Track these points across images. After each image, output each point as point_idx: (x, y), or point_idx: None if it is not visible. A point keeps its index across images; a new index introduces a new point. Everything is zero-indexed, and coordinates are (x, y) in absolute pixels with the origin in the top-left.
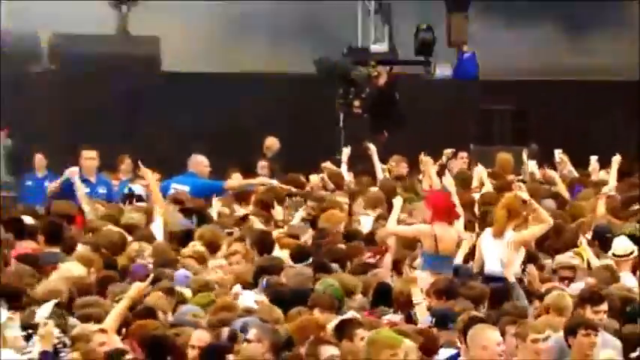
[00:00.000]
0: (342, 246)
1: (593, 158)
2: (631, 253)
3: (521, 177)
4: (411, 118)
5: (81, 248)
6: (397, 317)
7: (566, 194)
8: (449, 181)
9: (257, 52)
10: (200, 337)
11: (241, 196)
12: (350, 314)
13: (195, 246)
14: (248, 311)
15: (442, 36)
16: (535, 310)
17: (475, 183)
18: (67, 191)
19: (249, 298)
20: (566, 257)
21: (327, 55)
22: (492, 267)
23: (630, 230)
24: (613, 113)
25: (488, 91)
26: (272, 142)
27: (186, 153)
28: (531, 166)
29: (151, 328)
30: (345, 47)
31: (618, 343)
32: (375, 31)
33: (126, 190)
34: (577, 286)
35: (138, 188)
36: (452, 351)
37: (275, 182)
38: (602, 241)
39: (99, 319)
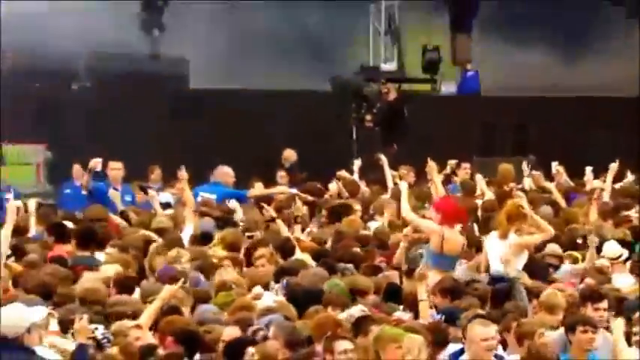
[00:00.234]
0: (357, 249)
1: (588, 169)
2: (620, 256)
3: (520, 186)
4: (418, 131)
5: (110, 250)
6: (406, 315)
7: (562, 202)
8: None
9: (276, 71)
10: (231, 333)
11: (262, 202)
12: (358, 308)
13: (215, 248)
14: (269, 310)
15: (447, 55)
16: (533, 309)
17: (478, 191)
18: (97, 197)
19: (269, 299)
20: (555, 246)
21: (341, 73)
22: (496, 268)
23: (620, 235)
24: (608, 127)
25: (490, 106)
26: (290, 154)
27: (212, 164)
28: (527, 181)
29: (182, 323)
30: (357, 66)
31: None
32: (385, 51)
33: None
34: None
35: (166, 196)
36: (458, 346)
37: (294, 190)
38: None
39: (129, 316)
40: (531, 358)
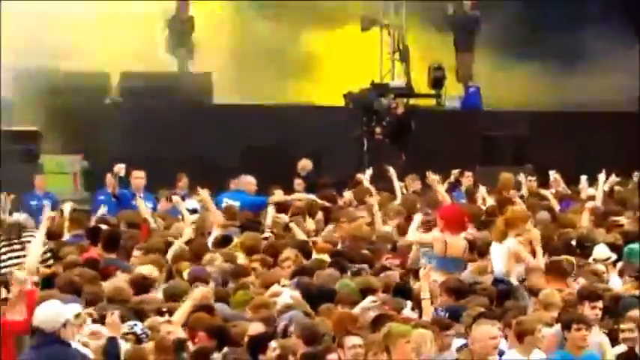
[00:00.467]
0: (366, 251)
1: (583, 178)
2: (608, 258)
3: (520, 193)
4: (425, 143)
5: (137, 253)
6: (414, 314)
7: (557, 208)
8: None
9: (294, 87)
10: (256, 329)
11: (281, 208)
12: (369, 300)
13: (235, 249)
14: (288, 307)
15: (451, 73)
16: (533, 306)
17: (480, 200)
18: (123, 202)
19: (285, 296)
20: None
21: (353, 89)
22: (497, 270)
23: (611, 239)
24: (602, 139)
25: (491, 119)
26: (306, 163)
27: (234, 173)
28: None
29: (211, 319)
30: (368, 83)
31: (603, 336)
32: (394, 69)
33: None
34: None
35: (193, 203)
36: (462, 341)
37: (312, 196)
38: (583, 248)
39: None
40: None
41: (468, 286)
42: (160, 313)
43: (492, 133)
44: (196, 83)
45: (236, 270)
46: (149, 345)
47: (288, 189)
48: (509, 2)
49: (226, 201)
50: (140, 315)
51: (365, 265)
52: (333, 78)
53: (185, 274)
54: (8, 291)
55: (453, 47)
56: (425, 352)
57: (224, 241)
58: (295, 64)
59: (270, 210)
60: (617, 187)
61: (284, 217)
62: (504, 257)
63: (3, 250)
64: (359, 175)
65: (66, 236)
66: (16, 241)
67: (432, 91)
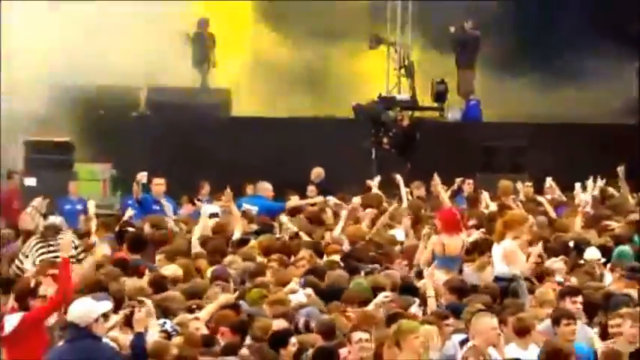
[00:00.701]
0: (372, 253)
1: (577, 184)
2: (598, 259)
3: (519, 198)
4: (429, 152)
5: (159, 257)
6: (419, 311)
7: (552, 213)
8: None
9: (306, 100)
10: (279, 324)
11: (295, 212)
12: (382, 296)
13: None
14: (301, 305)
15: (453, 87)
16: (529, 303)
17: (483, 204)
18: (145, 207)
19: (300, 294)
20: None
21: (362, 102)
22: (496, 269)
23: (602, 242)
24: (593, 149)
25: (490, 130)
26: (319, 171)
27: (251, 180)
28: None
29: (235, 317)
30: (376, 96)
31: (590, 330)
32: (399, 83)
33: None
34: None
35: (214, 208)
36: (462, 336)
37: (330, 198)
38: (579, 250)
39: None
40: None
41: (468, 285)
42: (191, 311)
43: (491, 144)
44: (216, 97)
45: (253, 269)
46: (178, 340)
47: (302, 195)
48: (507, 24)
49: (245, 206)
50: (164, 312)
51: (377, 266)
52: (343, 91)
53: (208, 273)
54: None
55: (454, 64)
56: (432, 346)
57: (242, 243)
58: (307, 79)
59: (284, 217)
60: (610, 190)
61: (293, 228)
62: (501, 257)
63: (40, 250)
64: (369, 182)
65: (94, 239)
66: (52, 242)
67: (435, 105)
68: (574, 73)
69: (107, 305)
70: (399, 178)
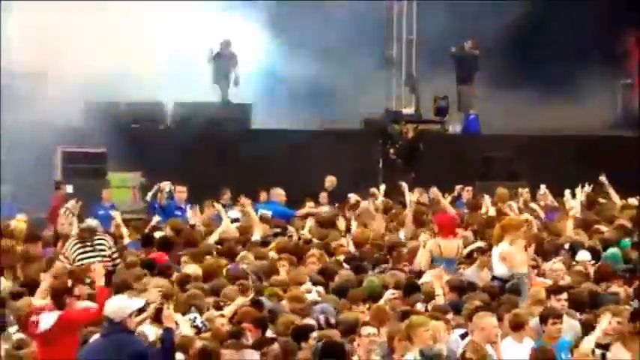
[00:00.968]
0: (376, 255)
1: (567, 191)
2: (589, 261)
3: (518, 204)
4: (431, 162)
5: (185, 258)
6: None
7: (542, 216)
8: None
9: (319, 113)
10: (297, 320)
11: (307, 217)
12: (389, 293)
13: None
14: (314, 302)
15: (454, 102)
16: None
17: (483, 209)
18: (167, 212)
19: (314, 293)
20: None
21: (370, 116)
22: (495, 269)
23: (592, 244)
24: (583, 160)
25: (488, 142)
26: (332, 179)
27: (270, 187)
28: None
29: (257, 313)
30: (383, 110)
31: (577, 325)
32: (405, 98)
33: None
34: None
35: (235, 213)
36: (462, 330)
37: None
38: (573, 252)
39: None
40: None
41: (468, 284)
42: (218, 308)
43: (489, 154)
44: (237, 112)
45: (268, 268)
46: (206, 335)
47: (315, 201)
48: (503, 44)
49: (261, 211)
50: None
51: (388, 266)
52: (352, 106)
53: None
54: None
55: (455, 81)
56: (439, 339)
57: (263, 244)
58: (319, 94)
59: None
60: (597, 197)
61: (307, 234)
62: (498, 258)
63: (78, 250)
64: (373, 190)
65: (126, 241)
66: (88, 243)
67: (438, 118)
68: (564, 89)
69: (140, 302)
70: (404, 185)
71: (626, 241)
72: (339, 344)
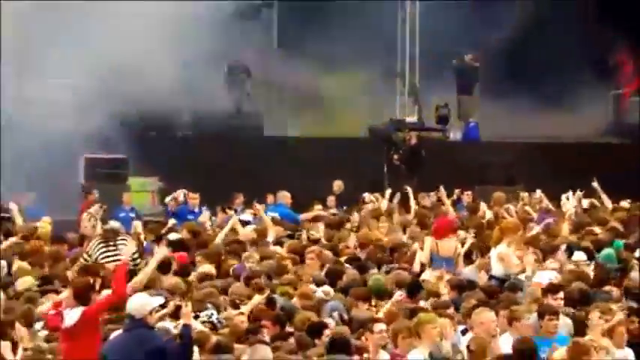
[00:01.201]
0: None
1: (563, 196)
2: (584, 261)
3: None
4: (433, 167)
5: (199, 258)
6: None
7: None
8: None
9: (327, 121)
10: (313, 317)
11: (316, 220)
12: (398, 294)
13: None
14: (323, 299)
15: (454, 111)
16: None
17: (481, 212)
18: (181, 218)
19: (319, 292)
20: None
21: (376, 124)
22: (493, 269)
23: (586, 245)
24: (576, 164)
25: (487, 148)
26: (339, 184)
27: (278, 190)
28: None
29: (273, 310)
30: (388, 119)
31: (570, 322)
32: (408, 107)
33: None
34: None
35: (246, 216)
36: (462, 326)
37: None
38: (570, 252)
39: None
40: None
41: (468, 283)
42: (236, 305)
43: (488, 160)
44: (250, 120)
45: (278, 268)
46: (225, 331)
47: (323, 204)
48: (504, 57)
49: (269, 214)
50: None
51: (395, 265)
52: (359, 115)
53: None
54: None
55: (456, 91)
56: (446, 335)
57: (278, 244)
58: (328, 104)
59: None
60: (592, 201)
61: (317, 234)
62: (496, 259)
63: (101, 250)
64: (366, 195)
65: (145, 242)
66: (111, 243)
67: (439, 126)
68: (559, 99)
69: (160, 300)
70: (410, 189)
71: (619, 241)
72: (346, 340)
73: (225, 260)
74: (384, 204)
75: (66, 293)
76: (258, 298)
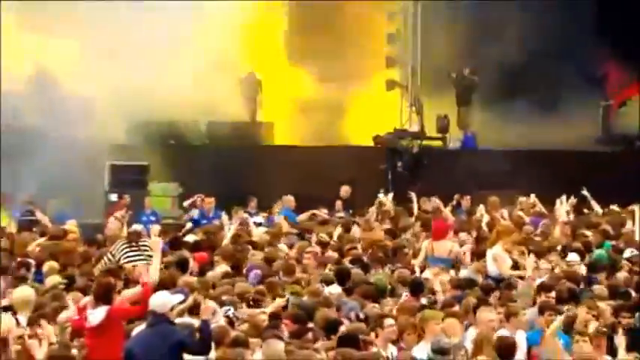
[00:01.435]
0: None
1: (558, 201)
2: (577, 261)
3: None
4: (434, 174)
5: (217, 258)
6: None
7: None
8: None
9: (335, 130)
10: (330, 314)
11: (324, 223)
12: (404, 295)
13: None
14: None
15: (454, 121)
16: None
17: (478, 214)
18: (195, 221)
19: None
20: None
21: (381, 133)
22: (489, 270)
23: (577, 246)
24: (568, 170)
25: (484, 156)
26: (346, 189)
27: (290, 194)
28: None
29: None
30: (392, 128)
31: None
32: (410, 117)
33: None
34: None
35: (259, 219)
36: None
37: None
38: (564, 253)
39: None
40: None
41: (466, 282)
42: (252, 302)
43: (485, 167)
44: (262, 130)
45: (287, 267)
46: (245, 327)
47: (330, 209)
48: (501, 71)
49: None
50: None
51: (399, 265)
52: (365, 124)
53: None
54: (124, 281)
55: (455, 102)
56: (456, 333)
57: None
58: (335, 114)
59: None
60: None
61: (324, 237)
62: (492, 260)
63: (125, 250)
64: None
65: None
66: (134, 245)
67: (440, 135)
68: (552, 110)
69: (180, 297)
70: (413, 194)
71: (608, 243)
72: (354, 335)
73: (243, 260)
74: (387, 207)
75: (88, 298)
76: (279, 301)
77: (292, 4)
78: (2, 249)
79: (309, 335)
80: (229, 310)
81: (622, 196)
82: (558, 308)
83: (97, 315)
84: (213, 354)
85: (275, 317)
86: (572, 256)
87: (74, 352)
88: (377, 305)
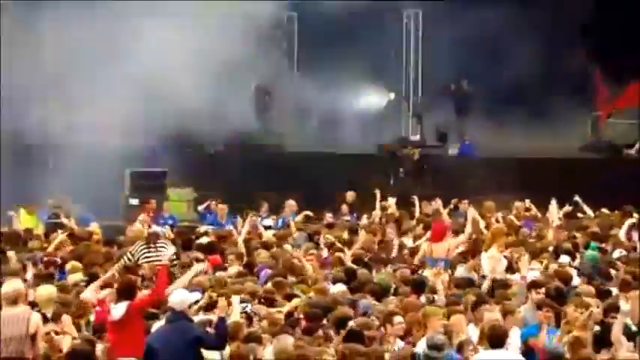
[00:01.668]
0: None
1: (550, 205)
2: (568, 262)
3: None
4: (433, 180)
5: (231, 257)
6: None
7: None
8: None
9: (341, 138)
10: (346, 312)
11: (331, 226)
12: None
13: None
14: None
15: (453, 130)
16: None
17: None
18: (210, 224)
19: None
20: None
21: (383, 141)
22: (484, 270)
23: (568, 248)
24: (561, 176)
25: (481, 163)
26: (352, 194)
27: (300, 200)
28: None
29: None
30: (394, 137)
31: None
32: (411, 126)
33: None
34: None
35: (269, 221)
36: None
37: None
38: (557, 255)
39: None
40: None
41: (468, 281)
42: (263, 300)
43: (482, 173)
44: (273, 138)
45: (293, 267)
46: (263, 323)
47: (336, 213)
48: (497, 82)
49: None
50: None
51: (403, 264)
52: (369, 133)
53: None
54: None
55: (454, 113)
56: (462, 329)
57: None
58: (341, 123)
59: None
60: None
61: (330, 238)
62: (486, 261)
63: (143, 251)
64: (384, 203)
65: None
66: (152, 246)
67: (439, 143)
68: (544, 119)
69: (197, 295)
70: (416, 198)
71: (594, 244)
72: (358, 331)
73: (255, 260)
74: (390, 211)
75: (107, 291)
76: (296, 300)
77: (299, 14)
78: (34, 249)
79: (320, 332)
80: (247, 306)
81: (610, 201)
82: (555, 306)
83: (119, 309)
84: (227, 349)
85: (291, 315)
86: (563, 258)
87: (98, 346)
88: (377, 303)
